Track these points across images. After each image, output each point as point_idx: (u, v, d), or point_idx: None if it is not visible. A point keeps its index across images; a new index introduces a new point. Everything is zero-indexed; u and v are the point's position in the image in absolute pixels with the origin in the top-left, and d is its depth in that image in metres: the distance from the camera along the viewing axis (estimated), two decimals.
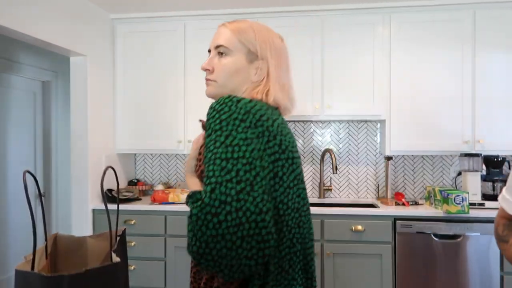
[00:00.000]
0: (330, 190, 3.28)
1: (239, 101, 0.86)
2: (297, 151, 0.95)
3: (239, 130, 0.83)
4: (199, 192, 0.85)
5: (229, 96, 0.87)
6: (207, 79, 1.03)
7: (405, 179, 3.24)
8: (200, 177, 0.97)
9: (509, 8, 2.80)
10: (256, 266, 0.79)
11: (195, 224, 0.77)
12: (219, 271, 0.79)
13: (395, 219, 2.65)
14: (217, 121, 0.84)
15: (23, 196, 3.49)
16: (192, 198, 0.84)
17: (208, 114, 0.87)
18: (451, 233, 2.58)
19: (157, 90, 3.15)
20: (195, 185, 0.98)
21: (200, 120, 1.04)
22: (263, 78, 1.02)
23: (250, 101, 0.87)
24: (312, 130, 3.35)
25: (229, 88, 1.02)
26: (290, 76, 1.09)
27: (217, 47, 1.01)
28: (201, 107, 3.08)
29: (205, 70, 1.03)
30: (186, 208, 2.84)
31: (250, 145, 0.83)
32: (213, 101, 0.94)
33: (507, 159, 3.02)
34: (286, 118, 1.09)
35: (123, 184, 3.33)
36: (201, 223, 0.77)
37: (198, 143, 1.01)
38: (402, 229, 2.62)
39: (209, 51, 1.05)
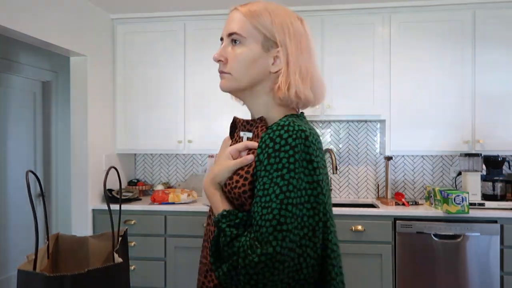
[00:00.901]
0: (330, 190, 3.28)
1: (306, 136, 0.81)
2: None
3: (306, 172, 0.80)
4: (243, 229, 0.81)
5: (293, 125, 0.81)
6: (220, 72, 0.92)
7: (405, 179, 3.24)
8: (230, 194, 0.87)
9: (509, 8, 2.80)
10: None
11: (259, 270, 0.75)
12: None
13: (395, 219, 2.65)
14: (291, 160, 0.79)
15: (23, 196, 3.49)
16: (234, 221, 0.81)
17: (277, 144, 0.80)
18: (451, 233, 2.59)
19: (157, 90, 3.15)
20: (219, 201, 0.87)
21: (248, 132, 0.93)
22: (282, 68, 0.90)
23: (305, 130, 0.82)
24: None
25: (246, 82, 0.91)
26: (315, 63, 0.95)
27: (230, 34, 0.90)
28: (201, 107, 3.08)
29: (218, 61, 0.91)
30: (186, 208, 2.84)
31: (316, 189, 0.81)
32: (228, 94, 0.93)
33: (507, 159, 3.02)
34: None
35: (123, 184, 3.33)
36: (267, 270, 0.75)
37: (246, 160, 0.86)
38: (402, 229, 2.62)
39: (222, 39, 0.94)
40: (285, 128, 0.81)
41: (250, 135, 0.93)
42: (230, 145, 0.98)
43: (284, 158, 0.78)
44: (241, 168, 0.86)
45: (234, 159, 0.88)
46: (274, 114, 0.93)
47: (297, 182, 0.78)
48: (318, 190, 0.81)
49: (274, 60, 0.91)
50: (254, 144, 0.87)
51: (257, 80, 0.91)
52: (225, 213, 0.82)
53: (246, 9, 0.90)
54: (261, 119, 0.92)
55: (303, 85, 0.90)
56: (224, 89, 0.94)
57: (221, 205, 0.86)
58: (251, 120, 0.94)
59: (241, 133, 0.96)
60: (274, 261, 0.75)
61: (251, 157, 0.85)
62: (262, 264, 0.74)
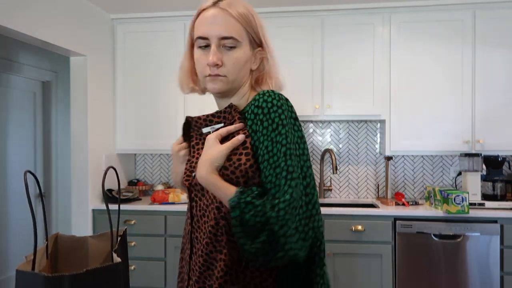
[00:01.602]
0: (330, 190, 3.29)
1: (286, 98, 0.89)
2: None
3: (295, 128, 0.88)
4: (261, 188, 0.85)
5: (273, 91, 0.89)
6: (216, 75, 0.92)
7: (405, 179, 3.24)
8: (234, 175, 0.87)
9: (509, 8, 2.80)
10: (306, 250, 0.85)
11: (282, 218, 0.79)
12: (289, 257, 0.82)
13: (395, 219, 2.65)
14: (282, 117, 0.85)
15: (23, 196, 3.49)
16: (253, 193, 0.83)
17: (265, 108, 0.86)
18: (451, 233, 2.58)
19: (157, 90, 3.15)
20: (225, 184, 0.86)
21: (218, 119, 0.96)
22: (265, 65, 0.98)
23: (282, 94, 0.91)
24: (312, 130, 3.35)
25: (238, 82, 0.95)
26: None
27: (226, 38, 0.90)
28: (201, 107, 3.08)
29: (215, 65, 0.91)
30: (186, 208, 2.84)
31: (305, 143, 0.89)
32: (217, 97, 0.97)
33: (507, 159, 3.02)
34: None
35: (123, 184, 3.33)
36: (288, 217, 0.80)
37: (237, 140, 0.88)
38: (402, 229, 2.62)
39: (202, 38, 0.92)
40: (267, 94, 0.88)
41: (219, 126, 0.95)
42: (190, 146, 1.01)
43: (276, 117, 0.85)
44: (236, 148, 0.88)
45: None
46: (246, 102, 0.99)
47: (292, 136, 0.86)
48: (306, 146, 0.89)
49: (254, 59, 0.97)
50: (236, 126, 0.91)
51: (245, 79, 0.97)
52: (241, 189, 0.84)
53: (234, 12, 0.91)
54: (230, 105, 0.94)
55: (279, 75, 1.00)
56: (219, 91, 0.95)
57: (229, 186, 0.86)
58: (218, 111, 0.97)
59: (204, 130, 0.98)
60: (292, 207, 0.80)
61: (242, 136, 0.88)
62: (283, 211, 0.79)
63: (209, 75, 0.93)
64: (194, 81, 1.03)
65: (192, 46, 0.99)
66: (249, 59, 0.95)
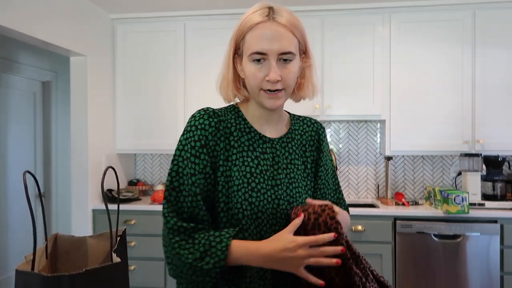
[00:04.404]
0: None
1: None
2: None
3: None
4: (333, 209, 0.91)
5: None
6: (276, 91, 0.92)
7: (405, 179, 3.24)
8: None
9: (509, 8, 2.80)
10: None
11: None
12: None
13: (395, 219, 2.65)
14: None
15: (23, 196, 3.46)
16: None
17: (323, 135, 1.09)
18: (451, 233, 2.58)
19: (157, 90, 3.14)
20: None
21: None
22: (306, 74, 1.02)
23: None
24: None
25: (290, 94, 1.00)
26: None
27: (285, 53, 0.91)
28: (201, 106, 3.07)
29: (277, 81, 0.91)
30: None
31: None
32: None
33: (507, 159, 3.02)
34: None
35: (123, 184, 3.33)
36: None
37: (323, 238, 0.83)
38: (402, 229, 2.62)
39: (260, 53, 0.91)
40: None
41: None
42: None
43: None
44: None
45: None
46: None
47: None
48: None
49: (299, 66, 0.98)
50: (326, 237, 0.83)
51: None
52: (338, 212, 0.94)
53: (291, 25, 0.93)
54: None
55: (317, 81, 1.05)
56: (277, 107, 0.96)
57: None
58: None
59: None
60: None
61: (329, 236, 0.82)
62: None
63: (269, 91, 0.93)
64: (237, 90, 1.02)
65: (234, 55, 0.98)
66: (299, 69, 0.98)
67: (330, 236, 0.81)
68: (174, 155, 0.94)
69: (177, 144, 0.95)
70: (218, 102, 1.08)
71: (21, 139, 3.53)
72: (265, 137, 1.00)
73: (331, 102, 2.95)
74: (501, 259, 2.56)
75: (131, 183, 3.33)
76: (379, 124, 3.26)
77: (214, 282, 0.87)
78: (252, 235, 0.91)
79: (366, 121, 3.26)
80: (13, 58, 3.41)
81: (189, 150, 0.93)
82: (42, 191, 3.75)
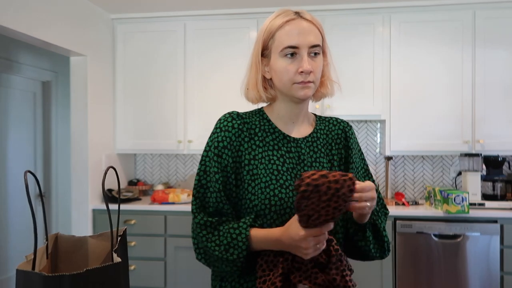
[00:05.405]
0: None
1: None
2: None
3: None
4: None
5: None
6: (308, 82, 0.98)
7: (405, 179, 3.24)
8: None
9: (509, 8, 2.80)
10: None
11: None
12: None
13: (395, 219, 2.65)
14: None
15: (23, 196, 3.48)
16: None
17: (350, 133, 1.11)
18: (451, 233, 2.58)
19: (157, 90, 3.14)
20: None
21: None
22: (325, 71, 1.06)
23: None
24: None
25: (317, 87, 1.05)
26: None
27: (314, 46, 0.97)
28: (201, 107, 3.08)
29: (310, 72, 0.97)
30: (186, 208, 2.84)
31: None
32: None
33: (507, 159, 3.02)
34: None
35: (123, 184, 3.33)
36: None
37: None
38: (402, 229, 2.62)
39: (292, 47, 0.96)
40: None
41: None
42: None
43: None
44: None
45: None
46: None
47: None
48: None
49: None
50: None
51: None
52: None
53: (316, 22, 1.00)
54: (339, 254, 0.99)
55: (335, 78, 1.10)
56: (308, 97, 1.01)
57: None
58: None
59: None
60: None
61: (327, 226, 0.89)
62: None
63: (301, 82, 0.97)
64: (265, 90, 1.06)
65: (260, 56, 1.03)
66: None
67: (328, 226, 0.87)
68: (202, 156, 1.03)
69: (205, 146, 1.04)
70: (218, 102, 1.10)
71: (21, 139, 3.53)
72: (289, 136, 1.05)
73: (331, 102, 2.95)
74: (501, 259, 2.56)
75: (131, 183, 3.33)
76: (379, 124, 3.26)
77: (241, 271, 0.97)
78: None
79: (366, 121, 3.26)
80: (13, 58, 3.41)
81: (213, 150, 1.01)
82: (42, 191, 3.75)
